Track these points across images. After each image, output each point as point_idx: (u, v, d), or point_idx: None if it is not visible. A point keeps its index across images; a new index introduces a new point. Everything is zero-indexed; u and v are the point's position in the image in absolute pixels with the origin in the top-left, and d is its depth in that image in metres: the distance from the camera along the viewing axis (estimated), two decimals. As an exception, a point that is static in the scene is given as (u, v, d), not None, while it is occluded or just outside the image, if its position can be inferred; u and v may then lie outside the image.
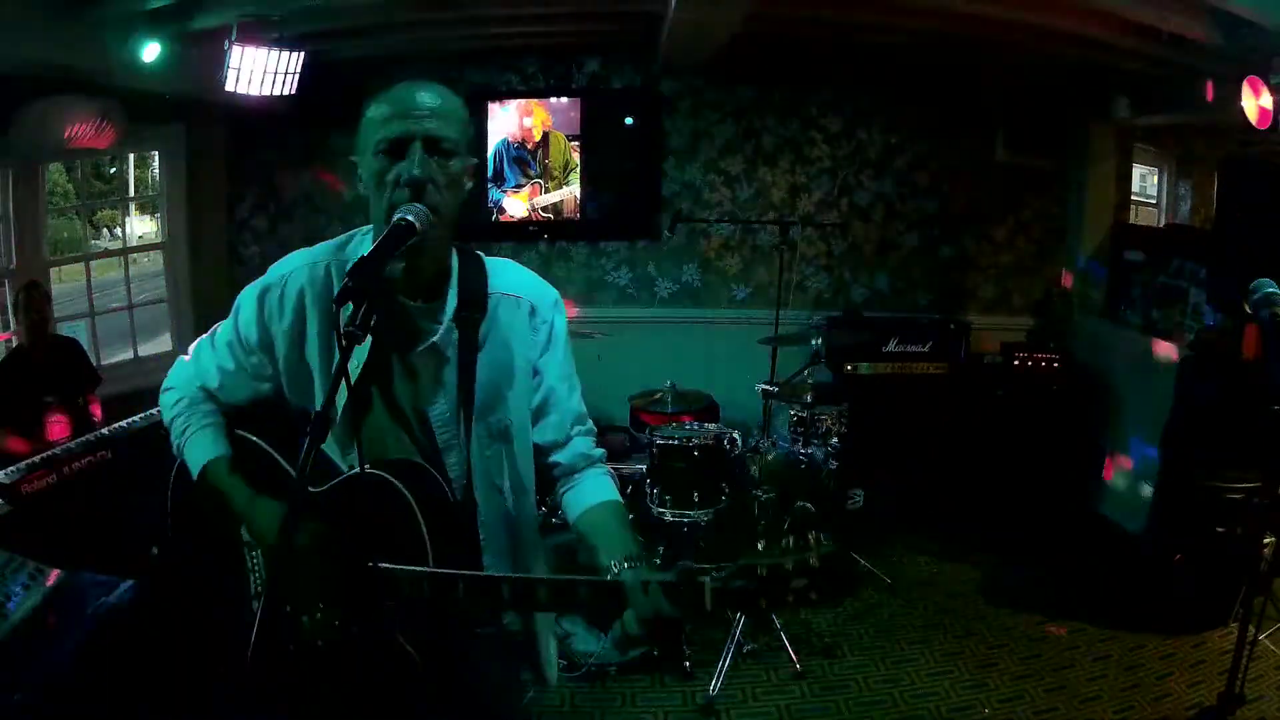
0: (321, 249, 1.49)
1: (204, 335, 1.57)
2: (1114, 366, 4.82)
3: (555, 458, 1.55)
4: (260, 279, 1.49)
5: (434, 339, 1.42)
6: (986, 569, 4.16)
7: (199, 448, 1.49)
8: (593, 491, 1.53)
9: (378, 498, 1.35)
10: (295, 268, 1.46)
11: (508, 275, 1.52)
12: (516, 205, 5.29)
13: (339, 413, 1.37)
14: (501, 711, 1.63)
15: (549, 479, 1.58)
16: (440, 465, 1.45)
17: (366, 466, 1.36)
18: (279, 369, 1.48)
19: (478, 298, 1.46)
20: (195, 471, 1.48)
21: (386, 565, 1.31)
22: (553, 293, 1.55)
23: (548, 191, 5.30)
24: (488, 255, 1.54)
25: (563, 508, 1.56)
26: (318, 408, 1.20)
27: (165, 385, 1.59)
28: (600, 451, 1.59)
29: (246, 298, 1.49)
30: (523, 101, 5.23)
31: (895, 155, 5.37)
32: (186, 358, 1.58)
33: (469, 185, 1.43)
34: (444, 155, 1.35)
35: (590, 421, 1.61)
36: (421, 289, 1.43)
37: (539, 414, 1.54)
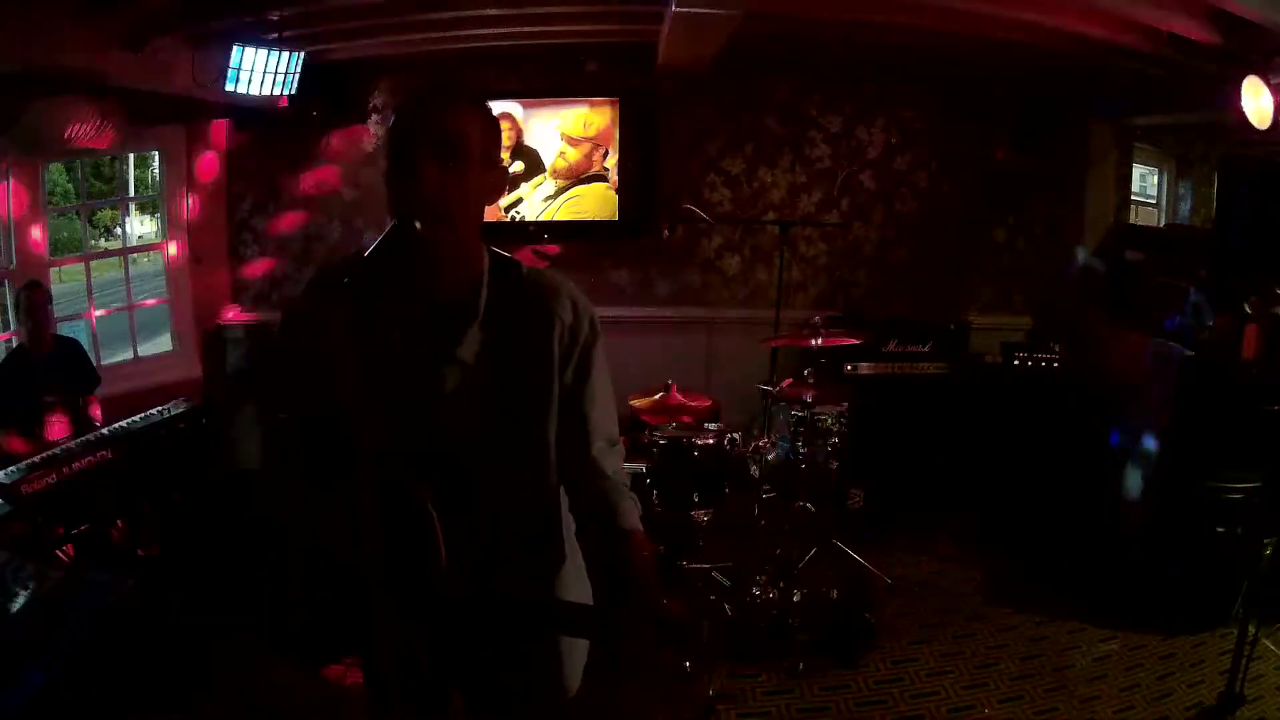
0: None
1: None
2: (1114, 366, 4.82)
3: (573, 477, 1.52)
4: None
5: (454, 344, 1.41)
6: (986, 569, 4.16)
7: None
8: (601, 515, 1.48)
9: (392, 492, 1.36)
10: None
11: (542, 286, 1.48)
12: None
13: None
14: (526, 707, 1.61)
15: (569, 497, 1.55)
16: (463, 470, 1.45)
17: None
18: None
19: (506, 306, 1.44)
20: None
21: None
22: (585, 308, 1.50)
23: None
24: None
25: (577, 526, 1.53)
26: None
27: None
28: (622, 475, 1.53)
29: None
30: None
31: (895, 155, 5.37)
32: None
33: (492, 195, 1.43)
34: (449, 162, 1.33)
35: (619, 443, 1.56)
36: (447, 293, 1.42)
37: (561, 431, 1.50)
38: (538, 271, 1.51)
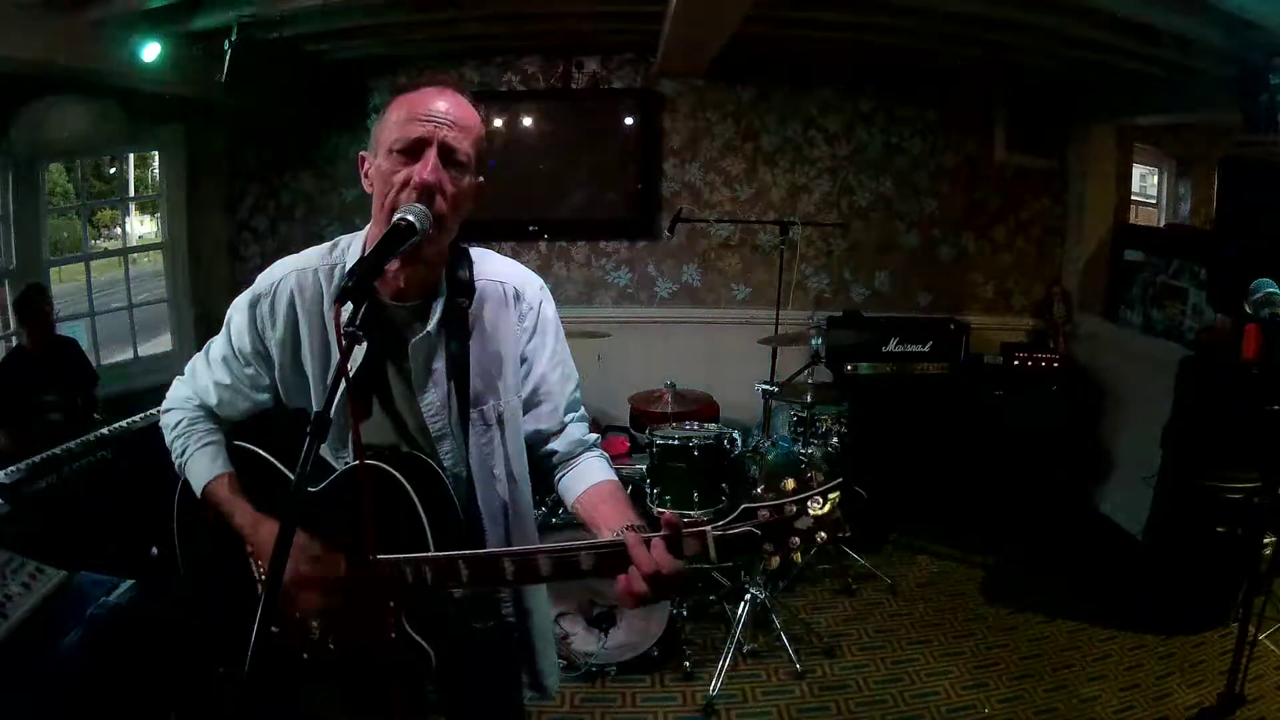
0: (309, 254, 1.49)
1: (199, 353, 1.57)
2: (1114, 366, 4.82)
3: (551, 446, 1.55)
4: (249, 289, 1.49)
5: (427, 329, 1.42)
6: (986, 569, 4.16)
7: (199, 468, 1.50)
8: (589, 474, 1.52)
9: (377, 490, 1.35)
10: (284, 274, 1.47)
11: (491, 264, 1.52)
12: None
13: (337, 413, 1.38)
14: (497, 712, 1.62)
15: (546, 468, 1.57)
16: (436, 456, 1.46)
17: (365, 459, 1.36)
18: (275, 377, 1.49)
19: (465, 287, 1.46)
20: (198, 492, 1.50)
21: (388, 556, 1.31)
22: (536, 279, 1.56)
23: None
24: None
25: (560, 493, 1.55)
26: (317, 410, 1.20)
27: (164, 406, 1.60)
28: (595, 436, 1.60)
29: (237, 309, 1.49)
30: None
31: (895, 155, 5.37)
32: (183, 377, 1.60)
33: (476, 200, 1.43)
34: (456, 167, 1.34)
35: (583, 409, 1.61)
36: (414, 291, 1.43)
37: (531, 403, 1.53)
38: (482, 251, 1.53)
